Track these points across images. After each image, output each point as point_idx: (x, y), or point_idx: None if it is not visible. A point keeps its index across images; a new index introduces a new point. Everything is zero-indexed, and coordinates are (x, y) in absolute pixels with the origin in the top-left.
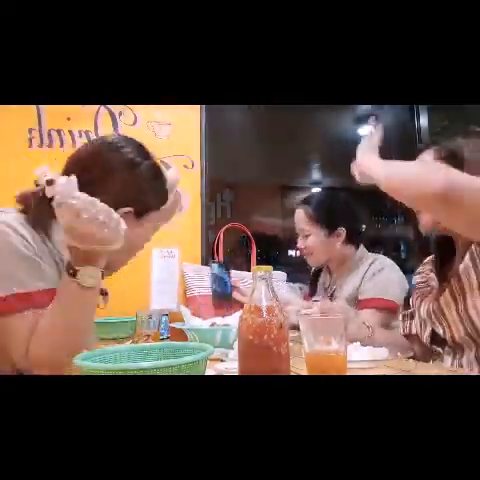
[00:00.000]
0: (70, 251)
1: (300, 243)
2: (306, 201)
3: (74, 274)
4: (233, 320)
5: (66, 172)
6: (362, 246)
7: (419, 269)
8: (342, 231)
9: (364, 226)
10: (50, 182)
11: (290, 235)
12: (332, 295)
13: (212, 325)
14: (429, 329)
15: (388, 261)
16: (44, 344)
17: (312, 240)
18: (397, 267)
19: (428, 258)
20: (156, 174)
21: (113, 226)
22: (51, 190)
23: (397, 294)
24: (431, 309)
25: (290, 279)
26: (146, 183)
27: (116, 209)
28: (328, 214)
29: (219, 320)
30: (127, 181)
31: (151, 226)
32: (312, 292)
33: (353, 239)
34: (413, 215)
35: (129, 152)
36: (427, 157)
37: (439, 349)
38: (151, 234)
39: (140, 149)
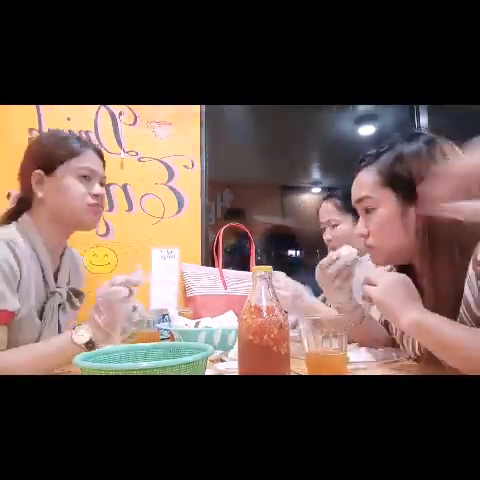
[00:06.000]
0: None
1: (328, 234)
2: (332, 195)
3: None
4: (218, 321)
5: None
6: None
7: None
8: None
9: None
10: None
11: (290, 235)
12: None
13: (196, 325)
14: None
15: None
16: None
17: (342, 228)
18: None
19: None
20: (52, 135)
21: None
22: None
23: None
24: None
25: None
26: (44, 144)
27: (32, 172)
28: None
29: (205, 320)
30: (33, 150)
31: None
32: None
33: None
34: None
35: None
36: (367, 178)
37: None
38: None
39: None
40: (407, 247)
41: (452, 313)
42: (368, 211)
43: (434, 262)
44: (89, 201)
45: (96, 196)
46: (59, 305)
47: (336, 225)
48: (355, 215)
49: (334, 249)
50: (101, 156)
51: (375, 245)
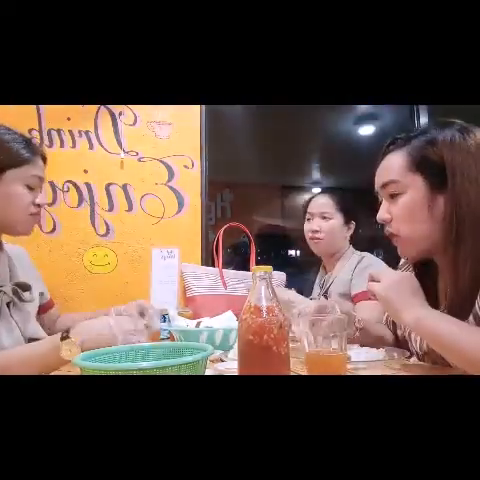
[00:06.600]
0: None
1: (316, 224)
2: (332, 191)
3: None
4: (218, 321)
5: None
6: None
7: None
8: (352, 225)
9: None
10: None
11: (290, 235)
12: (327, 291)
13: (197, 325)
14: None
15: (375, 258)
16: None
17: (332, 223)
18: (385, 263)
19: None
20: (4, 138)
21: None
22: None
23: None
24: None
25: (289, 279)
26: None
27: None
28: (349, 206)
29: (206, 320)
30: None
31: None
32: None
33: (354, 236)
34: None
35: None
36: (395, 162)
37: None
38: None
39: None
40: (432, 236)
41: (473, 308)
42: (393, 196)
43: (458, 253)
44: (32, 211)
45: (38, 205)
46: (8, 303)
47: (329, 219)
48: (346, 217)
49: (318, 242)
50: (45, 161)
51: (398, 232)
